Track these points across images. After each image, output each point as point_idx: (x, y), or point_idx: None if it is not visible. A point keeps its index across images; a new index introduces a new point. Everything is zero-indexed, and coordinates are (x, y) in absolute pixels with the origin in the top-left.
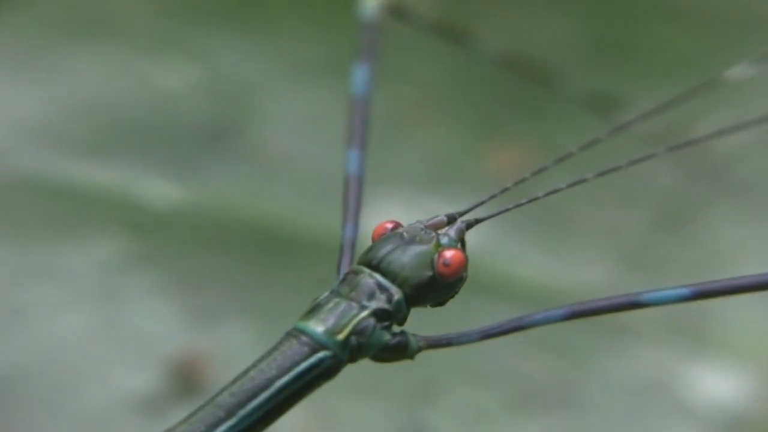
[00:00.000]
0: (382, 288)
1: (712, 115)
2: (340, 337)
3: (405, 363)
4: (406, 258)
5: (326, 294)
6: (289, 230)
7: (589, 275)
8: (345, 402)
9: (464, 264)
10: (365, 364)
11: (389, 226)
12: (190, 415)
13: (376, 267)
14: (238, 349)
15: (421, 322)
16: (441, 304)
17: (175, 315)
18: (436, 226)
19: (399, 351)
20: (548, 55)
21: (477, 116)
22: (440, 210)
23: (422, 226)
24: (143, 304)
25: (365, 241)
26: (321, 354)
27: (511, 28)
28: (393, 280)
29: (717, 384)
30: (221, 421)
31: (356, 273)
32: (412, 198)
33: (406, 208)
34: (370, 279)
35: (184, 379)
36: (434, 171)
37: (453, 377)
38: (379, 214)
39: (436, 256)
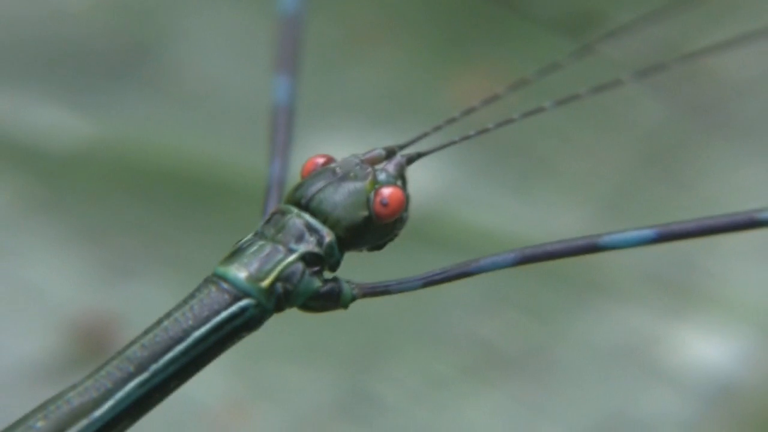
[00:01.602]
0: (311, 229)
1: (707, 38)
2: (265, 283)
3: (348, 323)
4: (338, 196)
5: (249, 236)
6: (211, 172)
7: (564, 224)
8: (278, 369)
9: (404, 203)
10: (300, 326)
11: (320, 160)
12: (96, 370)
13: (305, 206)
14: (151, 309)
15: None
16: (379, 248)
17: (79, 270)
18: (374, 161)
19: (331, 299)
20: None
21: (436, 39)
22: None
23: (358, 160)
24: (43, 257)
25: (296, 180)
26: (243, 302)
27: None
28: (324, 221)
29: (703, 347)
30: (131, 376)
31: (283, 213)
32: (360, 133)
33: (354, 145)
34: (298, 219)
35: (90, 343)
36: (386, 101)
37: (400, 340)
38: (321, 152)
39: (372, 194)
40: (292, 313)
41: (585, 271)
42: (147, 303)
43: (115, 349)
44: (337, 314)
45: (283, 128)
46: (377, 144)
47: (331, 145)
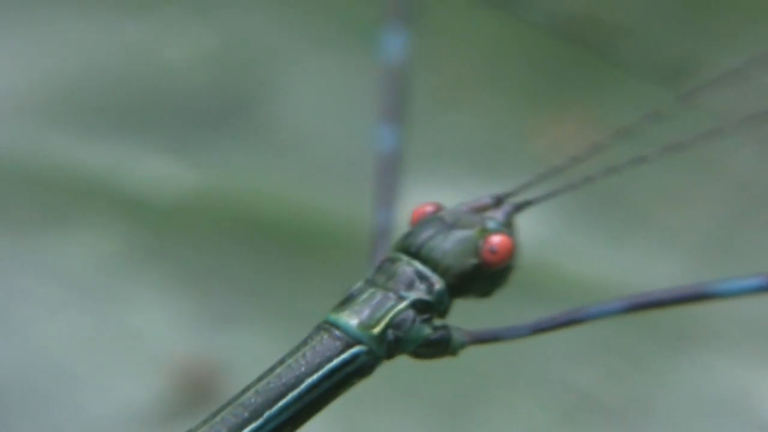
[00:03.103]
0: (421, 277)
1: None
2: (376, 330)
3: (445, 369)
4: (448, 244)
5: (360, 284)
6: (312, 220)
7: (661, 274)
8: (377, 417)
9: (513, 251)
10: (398, 373)
11: (429, 209)
12: (211, 416)
13: (414, 254)
14: (253, 356)
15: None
16: (487, 295)
17: (182, 317)
18: (482, 209)
19: (441, 346)
20: (610, 18)
21: (528, 88)
22: (488, 193)
23: (466, 208)
24: (147, 304)
25: (401, 229)
26: (355, 349)
27: None
28: (434, 269)
29: None
30: (246, 422)
31: (393, 261)
32: (455, 180)
33: (449, 192)
34: (408, 267)
35: (192, 388)
36: (481, 149)
37: (499, 386)
38: (418, 199)
39: (481, 242)
40: (391, 361)
41: (683, 320)
42: (249, 350)
43: (216, 394)
44: (435, 361)
45: (389, 177)
46: (474, 190)
47: (430, 192)
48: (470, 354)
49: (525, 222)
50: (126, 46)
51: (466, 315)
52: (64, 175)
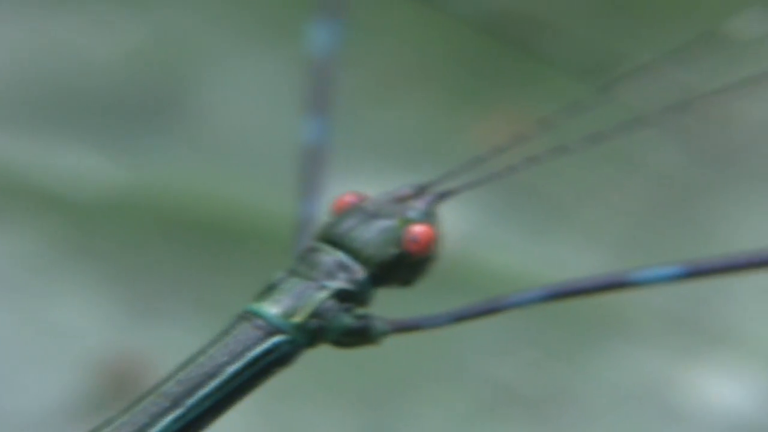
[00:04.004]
0: (343, 266)
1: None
2: (298, 319)
3: (368, 361)
4: (370, 233)
5: (282, 273)
6: (238, 215)
7: (583, 267)
8: (299, 408)
9: (434, 240)
10: (320, 365)
11: (351, 198)
12: (132, 405)
13: (336, 244)
14: (178, 351)
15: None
16: (409, 284)
17: (108, 312)
18: (404, 199)
19: (363, 335)
20: (535, 14)
21: (456, 83)
22: (410, 183)
23: (388, 198)
24: (70, 300)
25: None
26: (276, 338)
27: None
28: (355, 258)
29: (721, 388)
30: (166, 411)
31: (315, 250)
32: (383, 175)
33: (377, 186)
34: (330, 256)
35: (117, 384)
36: (409, 145)
37: (421, 379)
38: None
39: (403, 231)
40: (316, 351)
41: (601, 312)
42: (174, 344)
43: (142, 389)
44: (360, 353)
45: (313, 169)
46: (401, 184)
47: (357, 185)
48: (393, 346)
49: (448, 215)
50: (51, 41)
51: (390, 306)
52: None
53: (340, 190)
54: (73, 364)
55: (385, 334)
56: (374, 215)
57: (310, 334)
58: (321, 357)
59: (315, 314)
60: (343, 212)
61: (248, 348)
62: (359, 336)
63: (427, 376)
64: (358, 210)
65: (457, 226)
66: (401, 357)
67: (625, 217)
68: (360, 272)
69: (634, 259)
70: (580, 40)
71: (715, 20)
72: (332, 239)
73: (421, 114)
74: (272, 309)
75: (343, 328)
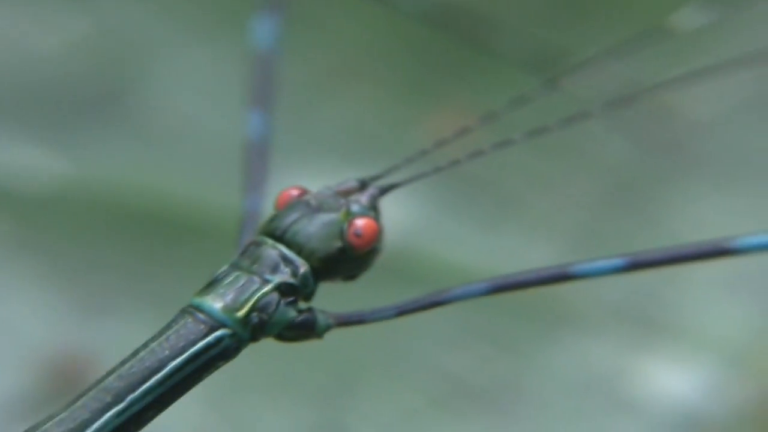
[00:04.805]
0: (286, 260)
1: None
2: (241, 313)
3: (318, 355)
4: (312, 227)
5: (225, 267)
6: (184, 211)
7: (532, 259)
8: (251, 402)
9: (378, 234)
10: (272, 359)
11: (294, 192)
12: (73, 401)
13: (280, 238)
14: (124, 347)
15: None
16: (352, 278)
17: (54, 308)
18: (347, 193)
19: (306, 329)
20: (482, 8)
21: (407, 77)
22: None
23: (331, 192)
24: (18, 296)
25: (269, 214)
26: (219, 332)
27: None
28: (299, 252)
29: (669, 379)
30: (108, 406)
31: (258, 244)
32: (330, 170)
33: (324, 180)
34: (273, 250)
35: (65, 381)
36: (356, 140)
37: (371, 373)
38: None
39: (346, 225)
40: (264, 347)
41: (552, 305)
42: (122, 340)
43: (86, 384)
44: (309, 348)
45: (257, 163)
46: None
47: (304, 181)
48: (342, 340)
49: (396, 208)
50: None
51: (335, 299)
52: None
53: (286, 184)
54: (18, 361)
55: (328, 327)
56: (317, 209)
57: (253, 328)
58: (273, 352)
59: (258, 308)
60: (287, 206)
61: (191, 342)
62: (302, 330)
63: (378, 370)
64: (301, 204)
65: (407, 219)
66: (353, 351)
67: (574, 208)
68: (303, 266)
69: (583, 251)
70: (527, 34)
71: (658, 15)
72: (275, 233)
73: (369, 108)
74: (215, 303)
75: (286, 322)
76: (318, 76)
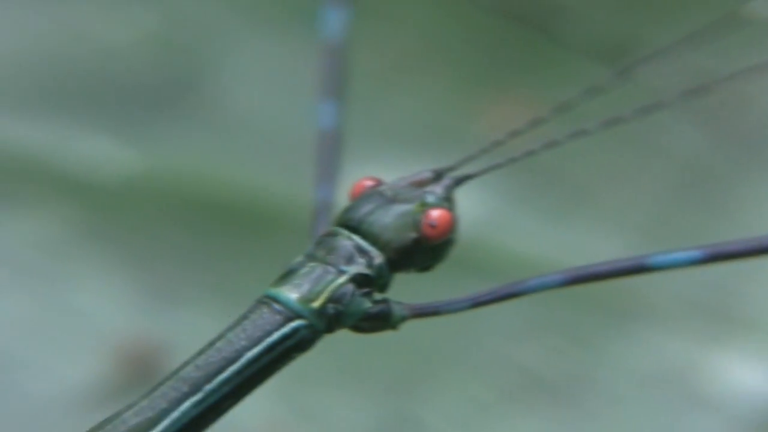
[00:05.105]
0: (361, 251)
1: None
2: (316, 304)
3: (389, 347)
4: (387, 218)
5: (300, 258)
6: (253, 201)
7: (602, 251)
8: (321, 393)
9: (453, 225)
10: (343, 350)
11: (369, 183)
12: (151, 390)
13: (354, 228)
14: (195, 335)
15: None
16: (427, 269)
17: (124, 297)
18: (422, 183)
19: (381, 320)
20: None
21: (473, 67)
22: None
23: (406, 183)
24: (90, 284)
25: (341, 206)
26: (295, 323)
27: None
28: (374, 243)
29: (743, 373)
30: (185, 396)
31: (333, 235)
32: (398, 160)
33: (392, 171)
34: (348, 241)
35: (135, 368)
36: (424, 129)
37: (442, 365)
38: (359, 177)
39: (421, 215)
40: (336, 338)
41: (623, 297)
42: (192, 329)
43: (160, 373)
44: (380, 340)
45: (330, 153)
46: (416, 169)
47: (371, 171)
48: (414, 332)
49: (467, 199)
50: (68, 25)
51: (408, 290)
52: (5, 156)
53: (354, 174)
54: (92, 348)
55: (403, 319)
56: (392, 200)
57: (329, 319)
58: (343, 342)
59: (333, 299)
60: (361, 197)
61: (267, 333)
62: (378, 321)
63: (449, 362)
64: (376, 194)
65: (477, 210)
66: (423, 343)
67: (646, 200)
68: (378, 257)
69: (654, 243)
70: (596, 23)
71: (734, 2)
72: (350, 224)
73: (435, 98)
74: (291, 294)
75: (361, 313)
76: (385, 65)
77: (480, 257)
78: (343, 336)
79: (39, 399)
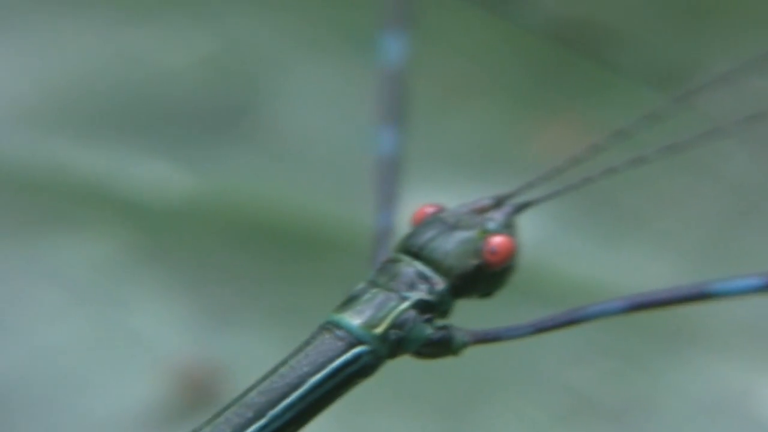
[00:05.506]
0: (423, 277)
1: None
2: (379, 330)
3: (444, 370)
4: (449, 245)
5: (362, 284)
6: (312, 224)
7: (656, 276)
8: (377, 417)
9: (513, 251)
10: (397, 375)
11: (430, 210)
12: (215, 416)
13: (416, 255)
14: (254, 359)
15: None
16: (488, 295)
17: (183, 319)
18: (483, 210)
19: (443, 346)
20: (604, 22)
21: (523, 91)
22: (488, 195)
23: (467, 209)
24: (148, 306)
25: (401, 232)
26: (358, 349)
27: None
28: (435, 269)
29: None
30: (249, 422)
31: (395, 261)
32: (453, 183)
33: (448, 195)
34: (410, 267)
35: (194, 391)
36: (477, 153)
37: (497, 388)
38: (418, 203)
39: (482, 242)
40: (392, 362)
41: (682, 322)
42: (250, 352)
43: (217, 397)
44: (437, 363)
45: (389, 179)
46: (471, 192)
47: (428, 194)
48: (469, 355)
49: (524, 224)
50: (124, 51)
51: (466, 316)
52: (63, 180)
53: (411, 196)
54: (150, 371)
55: (465, 345)
56: (454, 226)
57: (391, 345)
58: (398, 367)
59: (396, 325)
60: (423, 223)
61: (330, 359)
62: (439, 347)
63: (504, 385)
64: (438, 221)
65: (533, 235)
66: (478, 366)
67: (701, 226)
68: (440, 283)
69: (710, 269)
70: (650, 48)
71: None
72: (412, 250)
73: (488, 123)
74: (354, 320)
75: (423, 339)
76: (438, 90)
77: (536, 281)
78: (399, 360)
79: (98, 421)
